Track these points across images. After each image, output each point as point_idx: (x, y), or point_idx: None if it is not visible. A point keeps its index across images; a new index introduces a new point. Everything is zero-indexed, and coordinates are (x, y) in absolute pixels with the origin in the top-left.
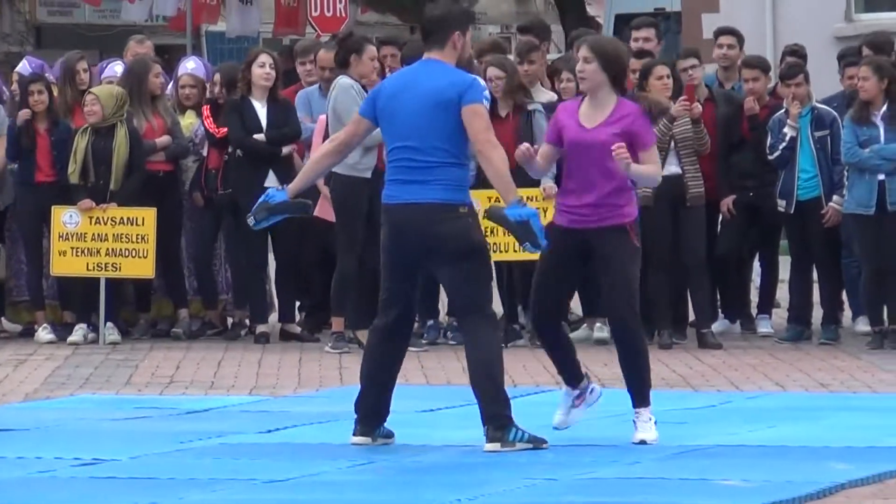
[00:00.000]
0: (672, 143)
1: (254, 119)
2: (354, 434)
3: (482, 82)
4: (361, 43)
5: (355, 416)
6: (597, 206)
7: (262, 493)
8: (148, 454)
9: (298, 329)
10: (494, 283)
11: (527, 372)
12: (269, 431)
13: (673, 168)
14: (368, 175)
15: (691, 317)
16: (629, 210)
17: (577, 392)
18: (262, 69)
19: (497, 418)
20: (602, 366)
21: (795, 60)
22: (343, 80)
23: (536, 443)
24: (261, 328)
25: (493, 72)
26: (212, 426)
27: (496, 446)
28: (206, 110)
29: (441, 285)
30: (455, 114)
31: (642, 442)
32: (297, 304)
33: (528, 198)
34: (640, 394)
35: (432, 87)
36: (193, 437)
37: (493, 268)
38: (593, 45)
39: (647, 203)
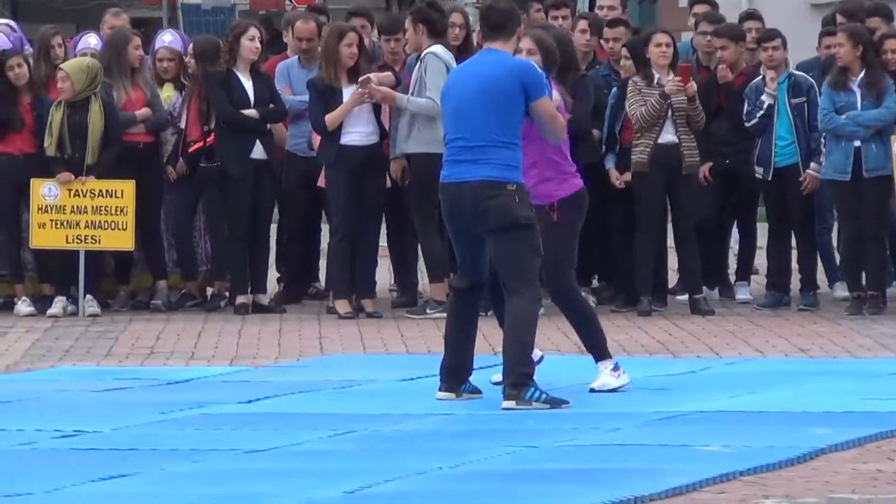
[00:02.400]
0: (669, 112)
1: (241, 92)
2: (440, 390)
3: (540, 70)
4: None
5: (440, 374)
6: (533, 187)
7: (243, 462)
8: (129, 425)
9: (266, 301)
10: None
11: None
12: (250, 402)
13: (669, 136)
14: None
15: (670, 284)
16: (552, 191)
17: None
18: (252, 42)
19: (516, 377)
20: None
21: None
22: (436, 49)
23: (555, 403)
24: (240, 299)
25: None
26: (193, 397)
27: (511, 403)
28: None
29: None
30: (512, 103)
31: (603, 389)
32: (277, 276)
33: None
34: (594, 349)
35: (491, 77)
36: (175, 407)
37: (540, 248)
38: (535, 38)
39: (643, 169)
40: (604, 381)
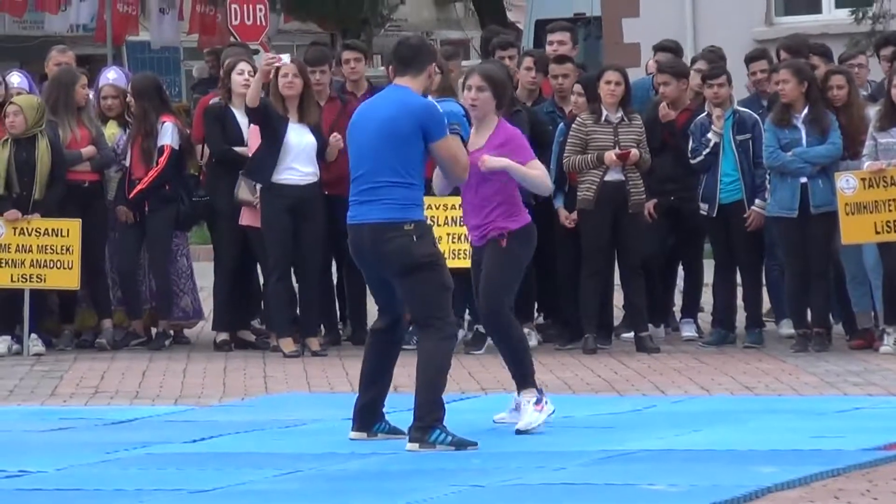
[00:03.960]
0: (617, 149)
1: (234, 128)
2: (352, 430)
3: (438, 109)
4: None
5: (353, 414)
6: (479, 227)
7: (188, 502)
8: (74, 465)
9: (252, 337)
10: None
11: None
12: (195, 441)
13: (615, 175)
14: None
15: (616, 321)
16: (503, 224)
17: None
18: (241, 76)
19: (422, 420)
20: None
21: (718, 62)
22: None
23: (461, 445)
24: (221, 336)
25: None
26: (138, 436)
27: (415, 446)
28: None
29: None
30: (408, 144)
31: (529, 429)
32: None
33: (448, 206)
34: (521, 378)
35: (388, 118)
36: (119, 447)
37: (448, 284)
38: (484, 74)
39: (588, 206)
40: (528, 421)
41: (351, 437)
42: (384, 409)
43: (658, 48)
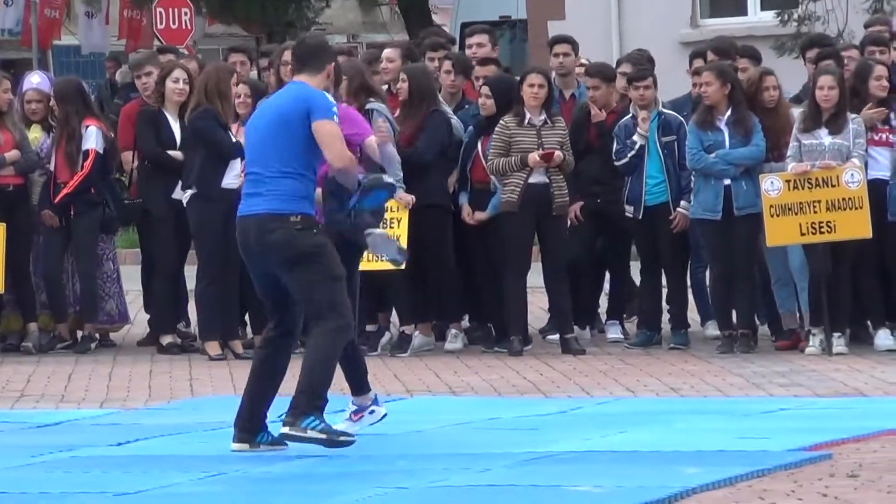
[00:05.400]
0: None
1: (168, 132)
2: (234, 440)
3: (329, 98)
4: None
5: (234, 423)
6: None
7: None
8: None
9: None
10: None
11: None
12: (120, 444)
13: (539, 177)
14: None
15: (541, 324)
16: None
17: (355, 407)
18: (176, 84)
19: (298, 407)
20: (452, 373)
21: (644, 64)
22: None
23: (333, 436)
24: (166, 339)
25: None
26: (63, 439)
27: (286, 429)
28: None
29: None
30: (294, 131)
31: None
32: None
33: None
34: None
35: (278, 106)
36: (44, 450)
37: (337, 274)
38: (408, 72)
39: (512, 209)
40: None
41: (233, 450)
42: (266, 420)
43: (554, 41)
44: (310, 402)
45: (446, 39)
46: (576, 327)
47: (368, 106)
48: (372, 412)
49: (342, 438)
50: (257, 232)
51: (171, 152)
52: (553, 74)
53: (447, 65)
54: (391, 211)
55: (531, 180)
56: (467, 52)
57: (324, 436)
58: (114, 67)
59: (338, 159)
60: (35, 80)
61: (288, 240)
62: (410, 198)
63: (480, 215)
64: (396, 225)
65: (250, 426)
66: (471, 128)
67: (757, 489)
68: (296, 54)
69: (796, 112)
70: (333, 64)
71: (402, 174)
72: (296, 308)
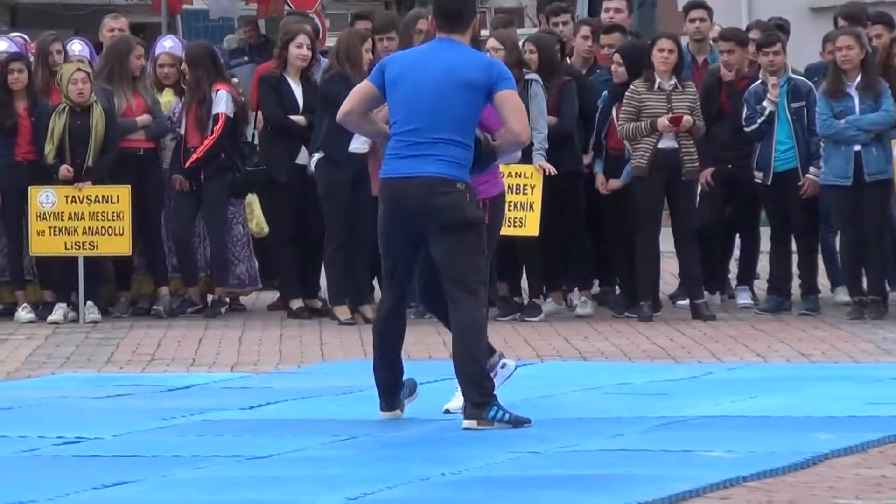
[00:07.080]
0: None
1: (290, 98)
2: (382, 410)
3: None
4: None
5: (379, 395)
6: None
7: (245, 469)
8: (131, 432)
9: (318, 305)
10: None
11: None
12: (252, 408)
13: (669, 142)
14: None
15: (671, 289)
16: (485, 189)
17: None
18: (300, 49)
19: (475, 395)
20: (583, 339)
21: (772, 30)
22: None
23: (517, 423)
24: (295, 303)
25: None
26: (194, 403)
27: (473, 423)
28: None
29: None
30: (475, 97)
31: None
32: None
33: (517, 174)
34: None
35: (452, 69)
36: (176, 413)
37: (487, 252)
38: (499, 36)
39: (641, 174)
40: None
41: (383, 418)
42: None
43: (689, 7)
44: (483, 387)
45: (567, 3)
46: (706, 293)
47: (528, 76)
48: (504, 365)
49: (524, 423)
50: (425, 194)
51: (293, 117)
52: (686, 40)
53: (585, 30)
54: (526, 177)
55: (661, 145)
56: (603, 15)
57: (510, 425)
58: (252, 31)
59: (525, 130)
60: (168, 44)
61: (458, 204)
62: (550, 167)
63: (614, 184)
64: (530, 191)
65: (395, 392)
66: (605, 93)
67: (889, 455)
68: (444, 11)
69: None
70: (477, 17)
71: (547, 145)
72: (413, 277)
